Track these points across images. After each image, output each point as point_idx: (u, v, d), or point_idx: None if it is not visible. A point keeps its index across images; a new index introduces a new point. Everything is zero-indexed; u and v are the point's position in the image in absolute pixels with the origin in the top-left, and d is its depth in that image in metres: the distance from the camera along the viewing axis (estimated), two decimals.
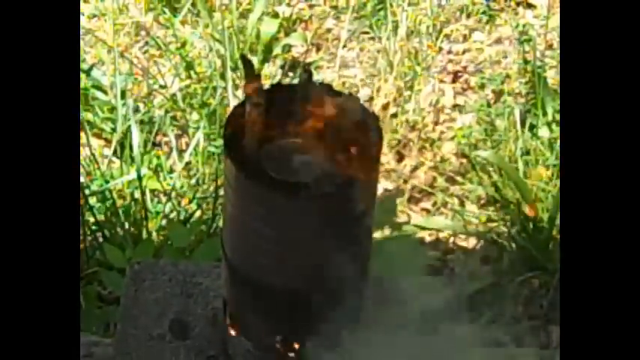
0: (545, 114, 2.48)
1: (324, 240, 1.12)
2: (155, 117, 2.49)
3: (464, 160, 2.48)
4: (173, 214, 2.23)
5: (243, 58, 1.16)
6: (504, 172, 2.31)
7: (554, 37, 2.79)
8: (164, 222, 2.20)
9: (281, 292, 1.16)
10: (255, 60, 2.67)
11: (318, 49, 2.82)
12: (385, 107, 2.58)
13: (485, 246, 2.27)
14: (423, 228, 2.29)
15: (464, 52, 2.81)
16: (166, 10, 2.86)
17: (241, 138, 1.11)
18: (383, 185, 2.41)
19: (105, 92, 2.54)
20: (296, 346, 1.21)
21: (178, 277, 1.41)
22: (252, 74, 1.12)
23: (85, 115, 2.45)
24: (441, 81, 2.71)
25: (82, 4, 2.85)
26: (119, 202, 2.20)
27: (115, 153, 2.37)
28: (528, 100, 2.59)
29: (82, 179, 2.22)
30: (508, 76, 2.69)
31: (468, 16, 2.90)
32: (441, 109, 2.64)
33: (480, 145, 2.47)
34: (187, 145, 2.43)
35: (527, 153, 2.41)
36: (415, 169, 2.48)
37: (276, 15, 2.87)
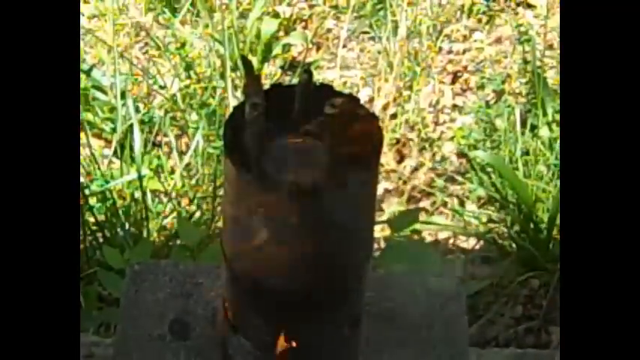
0: (545, 114, 2.48)
1: (324, 240, 1.12)
2: (155, 117, 2.49)
3: (463, 160, 2.48)
4: (175, 214, 2.23)
5: (243, 58, 1.16)
6: (502, 173, 2.31)
7: (554, 37, 2.79)
8: (166, 221, 2.20)
9: (281, 292, 1.16)
10: (254, 60, 2.67)
11: (318, 49, 2.82)
12: (385, 107, 2.58)
13: (485, 246, 2.27)
14: (429, 223, 2.29)
15: (464, 52, 2.81)
16: (166, 10, 2.86)
17: (241, 138, 1.11)
18: (383, 185, 2.42)
19: (105, 92, 2.54)
20: (295, 345, 1.21)
21: (178, 278, 1.41)
22: (252, 74, 1.12)
23: (85, 116, 2.45)
24: (441, 81, 2.71)
25: (82, 4, 2.85)
26: (119, 203, 2.20)
27: (115, 153, 2.37)
28: (528, 100, 2.59)
29: (82, 179, 2.22)
30: (508, 76, 2.70)
31: (468, 16, 2.90)
32: (440, 109, 2.64)
33: (479, 145, 2.47)
34: (187, 145, 2.43)
35: (528, 153, 2.41)
36: (415, 169, 2.48)
37: (276, 15, 2.87)
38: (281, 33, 2.82)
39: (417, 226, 2.27)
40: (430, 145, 2.52)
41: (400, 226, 1.94)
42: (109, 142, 2.44)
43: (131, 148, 2.29)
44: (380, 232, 2.07)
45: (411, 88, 2.63)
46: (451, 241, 2.30)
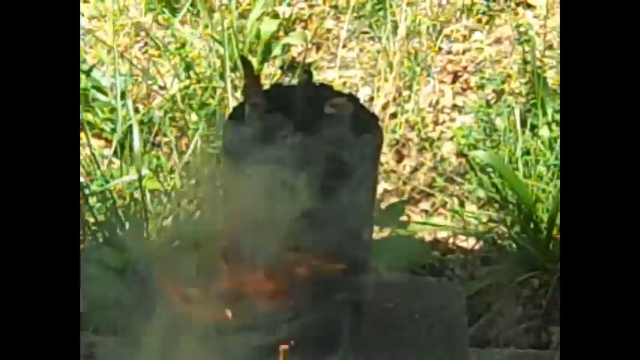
0: (545, 114, 2.48)
1: (322, 240, 1.12)
2: (155, 117, 2.49)
3: (463, 161, 2.48)
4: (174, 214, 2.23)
5: (243, 58, 1.16)
6: (502, 174, 2.31)
7: (554, 37, 2.79)
8: (166, 221, 2.20)
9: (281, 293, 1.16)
10: (254, 60, 2.67)
11: (318, 49, 2.82)
12: (385, 107, 2.58)
13: (484, 246, 2.27)
14: (425, 223, 2.28)
15: (464, 52, 2.81)
16: (166, 10, 2.86)
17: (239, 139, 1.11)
18: (382, 186, 2.41)
19: (105, 93, 2.54)
20: (293, 344, 1.21)
21: None
22: (251, 75, 1.12)
23: (85, 116, 2.45)
24: (441, 81, 2.71)
25: (82, 5, 2.85)
26: (119, 203, 2.20)
27: (115, 153, 2.37)
28: (528, 100, 2.59)
29: (82, 179, 2.22)
30: (508, 76, 2.70)
31: (468, 16, 2.90)
32: (440, 109, 2.64)
33: (479, 145, 2.47)
34: (187, 145, 2.43)
35: (528, 153, 2.41)
36: (415, 169, 2.48)
37: (275, 15, 2.87)
38: (281, 33, 2.82)
39: (418, 226, 2.27)
40: (430, 145, 2.52)
41: (388, 221, 1.93)
42: (109, 142, 2.44)
43: (131, 148, 2.29)
44: (379, 232, 2.07)
45: (410, 87, 2.63)
46: (451, 241, 2.30)
